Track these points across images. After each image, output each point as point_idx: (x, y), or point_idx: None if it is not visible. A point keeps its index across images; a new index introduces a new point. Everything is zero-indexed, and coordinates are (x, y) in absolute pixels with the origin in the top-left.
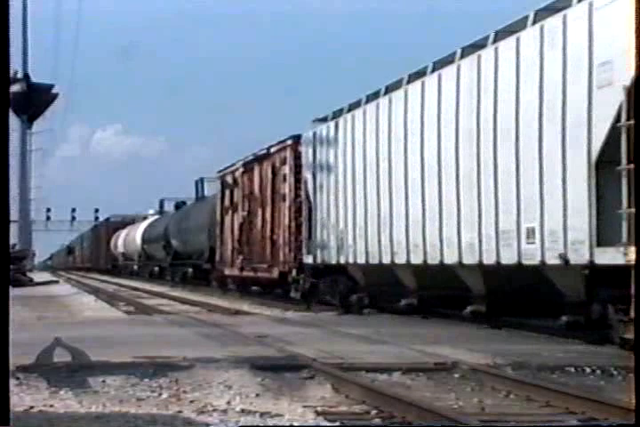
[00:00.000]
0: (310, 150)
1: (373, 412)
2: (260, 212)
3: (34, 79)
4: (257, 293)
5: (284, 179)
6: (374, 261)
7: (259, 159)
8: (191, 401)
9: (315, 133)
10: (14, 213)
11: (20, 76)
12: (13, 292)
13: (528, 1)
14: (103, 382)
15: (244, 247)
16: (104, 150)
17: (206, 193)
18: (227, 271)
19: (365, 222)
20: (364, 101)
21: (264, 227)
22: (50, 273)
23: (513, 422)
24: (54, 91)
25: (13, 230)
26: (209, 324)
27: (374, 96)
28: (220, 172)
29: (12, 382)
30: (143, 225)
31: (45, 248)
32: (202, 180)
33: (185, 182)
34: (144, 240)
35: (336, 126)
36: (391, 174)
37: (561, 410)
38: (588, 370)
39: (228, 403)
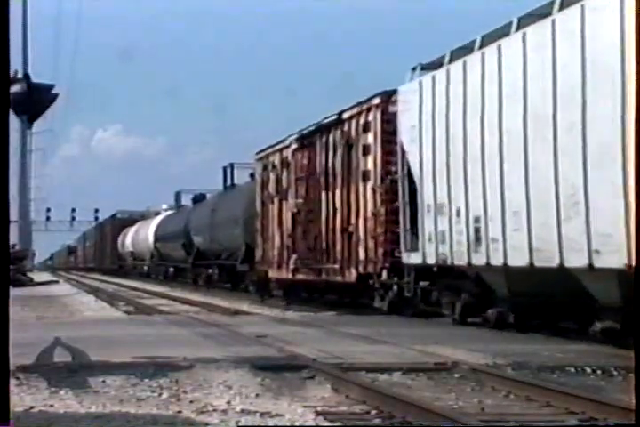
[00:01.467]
0: (415, 107)
1: (373, 412)
2: (324, 197)
3: (34, 79)
4: (312, 301)
5: (366, 151)
6: (547, 263)
7: (322, 130)
8: (191, 401)
9: (421, 84)
10: (14, 213)
11: (20, 76)
12: (13, 292)
13: None
14: (103, 382)
15: (300, 243)
16: (105, 150)
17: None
18: (272, 274)
19: (527, 207)
20: (515, 26)
21: (332, 216)
22: (50, 273)
23: (513, 423)
24: (54, 91)
25: (13, 230)
26: (209, 324)
27: (537, 16)
28: (259, 152)
29: (12, 382)
30: (155, 221)
31: (45, 248)
32: (232, 165)
33: (186, 183)
34: (157, 238)
35: (463, 68)
36: (586, 129)
37: (561, 410)
38: (588, 370)
39: (228, 403)
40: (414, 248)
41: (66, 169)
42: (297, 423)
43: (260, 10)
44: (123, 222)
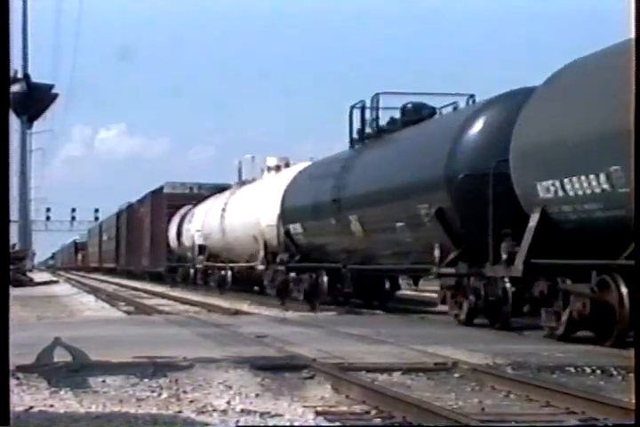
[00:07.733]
0: None
1: (373, 412)
2: None
3: (34, 79)
4: None
5: None
6: None
7: None
8: (191, 401)
9: None
10: (14, 213)
11: (20, 76)
12: (13, 292)
13: None
14: (103, 382)
15: None
16: (107, 150)
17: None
18: None
19: None
20: None
21: None
22: (50, 274)
23: (513, 423)
24: (54, 91)
25: (13, 230)
26: (209, 324)
27: None
28: None
29: (12, 382)
30: (276, 183)
31: (45, 248)
32: None
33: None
34: (288, 214)
35: None
36: None
37: (561, 410)
38: (587, 370)
39: (228, 403)
40: None
41: (66, 169)
42: (297, 423)
43: (261, 9)
44: (176, 201)
